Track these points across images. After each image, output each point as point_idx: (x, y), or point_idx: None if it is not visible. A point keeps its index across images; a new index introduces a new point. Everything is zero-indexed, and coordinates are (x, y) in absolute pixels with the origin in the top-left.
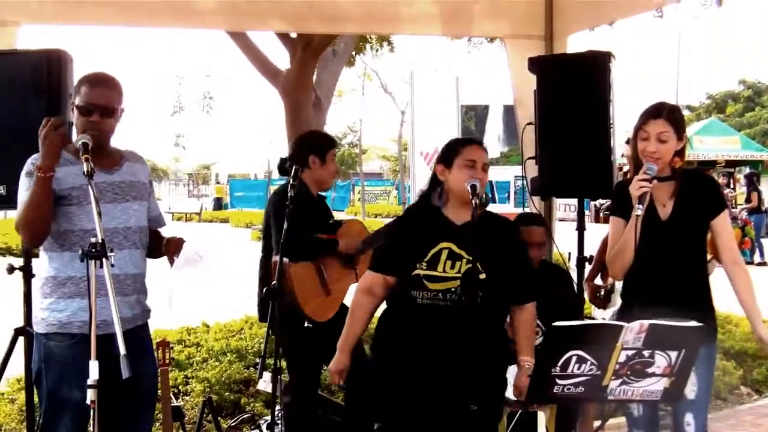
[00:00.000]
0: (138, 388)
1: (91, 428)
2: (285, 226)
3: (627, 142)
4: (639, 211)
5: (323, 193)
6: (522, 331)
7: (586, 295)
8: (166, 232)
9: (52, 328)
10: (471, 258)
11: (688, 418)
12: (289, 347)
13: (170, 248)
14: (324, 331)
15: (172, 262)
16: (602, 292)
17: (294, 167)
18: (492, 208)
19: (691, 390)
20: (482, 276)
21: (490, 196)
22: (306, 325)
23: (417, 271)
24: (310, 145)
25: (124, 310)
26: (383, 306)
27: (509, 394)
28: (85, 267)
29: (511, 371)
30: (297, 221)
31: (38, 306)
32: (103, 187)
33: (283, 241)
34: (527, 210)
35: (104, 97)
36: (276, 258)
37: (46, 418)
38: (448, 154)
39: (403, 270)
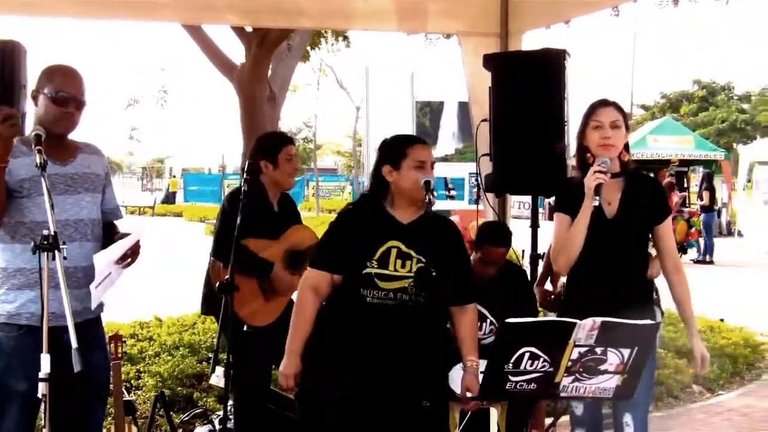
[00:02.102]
0: (88, 382)
1: (42, 421)
2: (217, 226)
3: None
4: (596, 202)
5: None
6: (467, 332)
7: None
8: (118, 226)
9: (1, 319)
10: (420, 257)
11: (627, 418)
12: (232, 348)
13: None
14: (269, 332)
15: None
16: (552, 297)
17: (248, 162)
18: (447, 204)
19: None
20: (433, 274)
21: (443, 191)
22: (245, 329)
23: (368, 270)
24: (260, 151)
25: (73, 303)
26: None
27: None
28: (36, 259)
29: (456, 371)
30: (232, 226)
31: None
32: (55, 179)
33: (215, 242)
34: (484, 213)
35: (79, 89)
36: (212, 258)
37: None
38: (394, 155)
39: (353, 268)
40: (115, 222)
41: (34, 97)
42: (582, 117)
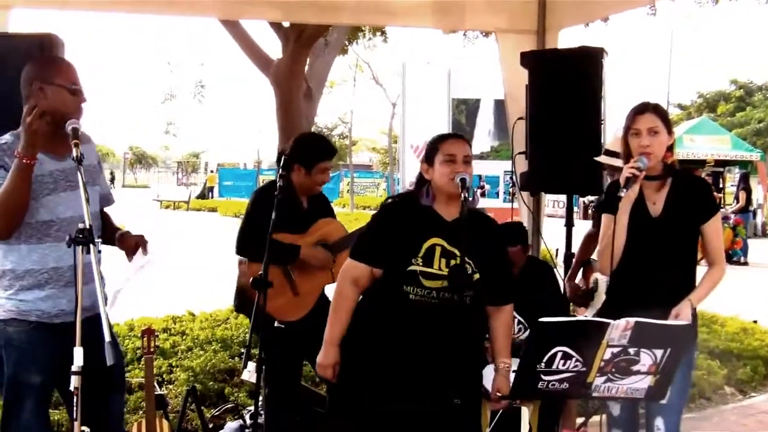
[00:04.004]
0: (100, 375)
1: (74, 415)
2: (242, 222)
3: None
4: (622, 193)
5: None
6: (501, 333)
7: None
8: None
9: (11, 314)
10: (464, 256)
11: (659, 422)
12: (261, 344)
13: (128, 243)
14: (300, 328)
15: (130, 257)
16: (583, 292)
17: (283, 157)
18: (480, 202)
19: None
20: (476, 276)
21: (477, 190)
22: (276, 324)
23: (413, 267)
24: (298, 153)
25: (84, 298)
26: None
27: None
28: (44, 260)
29: (487, 371)
30: (258, 220)
31: None
32: (57, 176)
33: (238, 238)
34: (519, 212)
35: (80, 79)
36: (241, 258)
37: (8, 405)
38: (429, 152)
39: (397, 264)
40: (107, 211)
41: (41, 89)
42: (624, 123)
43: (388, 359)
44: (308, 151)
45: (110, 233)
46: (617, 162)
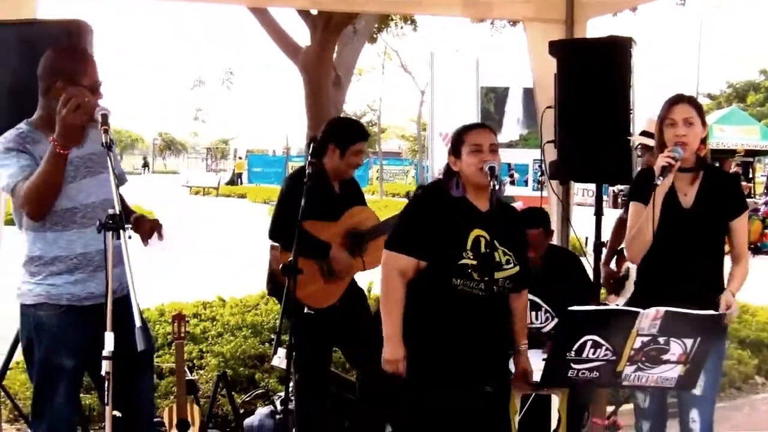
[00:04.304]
0: (129, 357)
1: (106, 400)
2: (275, 208)
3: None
4: (659, 181)
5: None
6: (521, 316)
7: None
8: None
9: (41, 299)
10: (505, 248)
11: (693, 414)
12: (291, 330)
13: (144, 228)
14: (330, 315)
15: (145, 241)
16: (615, 279)
17: (312, 145)
18: (510, 190)
19: (698, 385)
20: (516, 269)
21: (507, 179)
22: (306, 311)
23: (465, 261)
24: (333, 133)
25: (113, 281)
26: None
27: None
28: (72, 245)
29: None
30: (291, 207)
31: (24, 280)
32: (77, 163)
33: (272, 224)
34: (548, 200)
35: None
36: (273, 243)
37: (41, 389)
38: (456, 144)
39: (446, 257)
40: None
41: (64, 88)
42: (658, 113)
43: (435, 350)
44: (343, 132)
45: (125, 215)
46: (652, 142)
